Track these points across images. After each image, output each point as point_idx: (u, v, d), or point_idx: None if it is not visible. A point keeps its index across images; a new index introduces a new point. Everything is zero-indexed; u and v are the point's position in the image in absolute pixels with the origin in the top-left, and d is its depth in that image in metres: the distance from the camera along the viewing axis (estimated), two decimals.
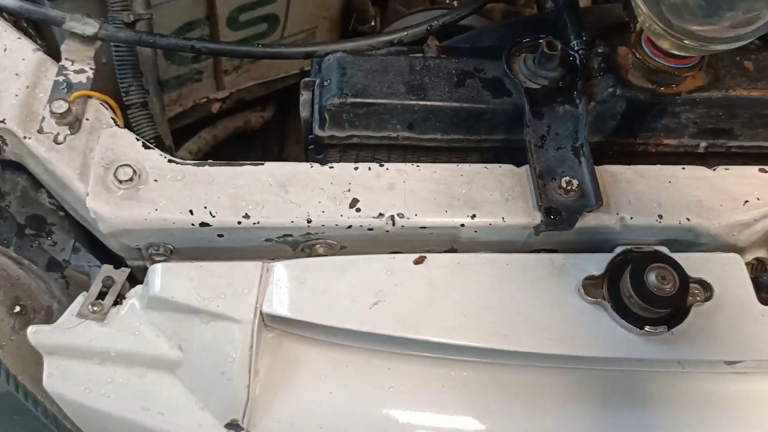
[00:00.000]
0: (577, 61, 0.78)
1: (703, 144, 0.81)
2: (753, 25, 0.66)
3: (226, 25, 1.06)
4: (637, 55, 0.75)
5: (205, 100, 1.16)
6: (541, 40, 0.77)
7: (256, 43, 1.00)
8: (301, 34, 1.17)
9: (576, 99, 0.76)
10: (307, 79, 0.83)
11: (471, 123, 0.78)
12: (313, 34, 1.18)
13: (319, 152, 0.81)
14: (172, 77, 1.09)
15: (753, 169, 0.76)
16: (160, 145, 0.88)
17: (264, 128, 1.34)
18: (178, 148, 1.17)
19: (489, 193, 0.73)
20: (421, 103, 0.77)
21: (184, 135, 1.22)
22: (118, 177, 0.70)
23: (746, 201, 0.74)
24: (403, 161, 0.79)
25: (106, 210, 0.69)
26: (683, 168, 0.76)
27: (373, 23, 1.17)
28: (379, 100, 0.76)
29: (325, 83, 0.78)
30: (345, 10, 1.16)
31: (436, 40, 0.85)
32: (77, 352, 0.67)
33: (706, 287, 0.69)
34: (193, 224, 0.68)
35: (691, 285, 0.69)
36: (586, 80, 0.78)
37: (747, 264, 0.76)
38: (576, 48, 0.81)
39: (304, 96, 0.81)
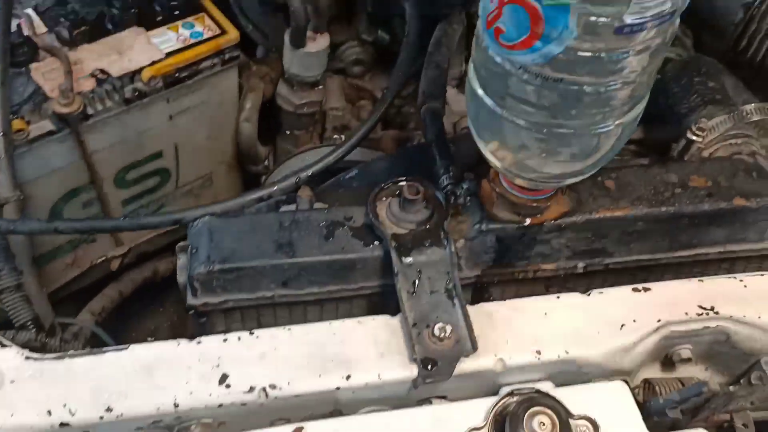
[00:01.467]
0: (442, 200, 0.79)
1: (581, 265, 0.82)
2: (591, 158, 0.67)
3: (113, 184, 1.05)
4: (497, 190, 0.77)
5: (103, 258, 1.14)
6: (402, 183, 0.77)
7: (122, 217, 0.99)
8: (197, 181, 1.17)
9: (443, 240, 0.76)
10: (182, 243, 0.82)
11: (345, 273, 0.78)
12: (210, 179, 1.19)
13: (202, 317, 0.80)
14: (64, 242, 1.08)
15: (626, 290, 0.76)
16: (39, 327, 0.86)
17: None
18: (80, 310, 1.14)
19: (364, 350, 0.71)
20: (291, 260, 0.76)
21: (90, 293, 1.19)
22: None
23: (623, 325, 0.73)
24: (290, 316, 0.79)
25: None
26: (558, 297, 0.76)
27: (266, 162, 1.18)
28: (248, 264, 0.75)
29: (194, 251, 0.77)
30: (239, 153, 1.17)
31: (309, 189, 0.85)
32: None
33: (593, 423, 0.68)
34: (52, 426, 0.65)
35: (578, 422, 0.67)
36: (454, 217, 0.79)
37: (636, 388, 0.76)
38: (445, 183, 0.82)
39: (181, 260, 0.80)
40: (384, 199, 0.79)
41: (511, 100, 0.61)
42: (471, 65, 0.66)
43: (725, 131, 0.86)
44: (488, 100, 0.64)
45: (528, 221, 0.77)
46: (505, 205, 0.77)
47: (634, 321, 0.74)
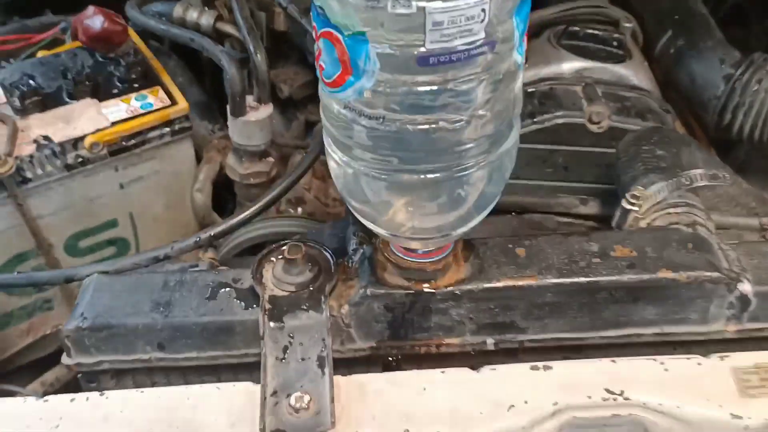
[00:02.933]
0: (332, 264, 0.73)
1: (491, 341, 0.73)
2: (461, 208, 0.61)
3: (65, 251, 1.06)
4: (389, 257, 0.71)
5: (60, 327, 1.13)
6: (287, 245, 0.73)
7: (16, 271, 0.99)
8: None
9: (322, 305, 0.70)
10: None
11: (224, 338, 0.73)
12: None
13: (91, 381, 0.76)
14: (16, 308, 1.08)
15: (523, 368, 0.67)
16: None
17: None
18: (34, 380, 1.13)
19: (214, 418, 0.65)
20: (164, 321, 0.72)
21: (49, 362, 1.18)
22: None
23: (511, 406, 0.64)
24: (168, 383, 0.74)
25: None
26: (443, 371, 0.68)
27: None
28: (120, 321, 0.72)
29: (75, 309, 0.75)
30: (201, 224, 1.17)
31: (212, 252, 0.83)
32: None
33: None
34: None
35: None
36: (344, 282, 0.74)
37: None
38: (353, 247, 0.77)
39: None
40: (272, 260, 0.75)
41: (356, 151, 0.57)
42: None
43: (663, 199, 0.77)
44: (337, 157, 0.60)
45: (420, 286, 0.70)
46: (397, 270, 0.71)
47: (526, 402, 0.64)
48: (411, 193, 0.59)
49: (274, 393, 0.65)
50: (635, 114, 1.01)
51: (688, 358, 0.67)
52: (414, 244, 0.67)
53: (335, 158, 0.61)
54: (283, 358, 0.68)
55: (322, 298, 0.70)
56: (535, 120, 1.01)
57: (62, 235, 1.04)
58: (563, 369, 0.67)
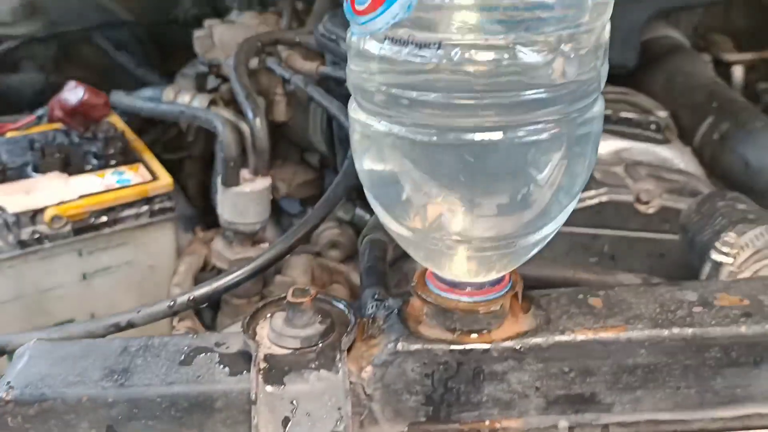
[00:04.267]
0: (350, 317, 0.56)
1: (564, 424, 0.54)
2: (531, 208, 0.46)
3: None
4: (426, 298, 0.53)
5: None
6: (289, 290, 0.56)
7: None
8: None
9: (337, 363, 0.51)
10: None
11: (200, 418, 0.52)
12: None
13: None
14: None
15: None
16: None
17: None
18: None
19: None
20: (119, 391, 0.52)
21: None
22: None
23: None
24: None
25: None
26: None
27: None
28: (56, 393, 0.52)
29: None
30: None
31: (191, 322, 0.64)
32: None
33: None
34: None
35: None
36: (366, 341, 0.55)
37: None
38: (369, 307, 0.60)
39: None
40: (269, 315, 0.57)
41: (396, 106, 0.43)
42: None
43: (764, 247, 0.62)
44: (375, 123, 0.45)
45: (467, 339, 0.52)
46: (438, 319, 0.53)
47: None
48: (460, 167, 0.44)
49: None
50: (688, 194, 0.88)
51: None
52: (459, 267, 0.50)
53: (361, 122, 0.46)
54: None
55: (337, 355, 0.52)
56: None
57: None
58: None
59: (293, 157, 1.15)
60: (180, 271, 0.92)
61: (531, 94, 0.40)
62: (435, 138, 0.42)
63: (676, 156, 0.95)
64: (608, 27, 0.44)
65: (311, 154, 1.15)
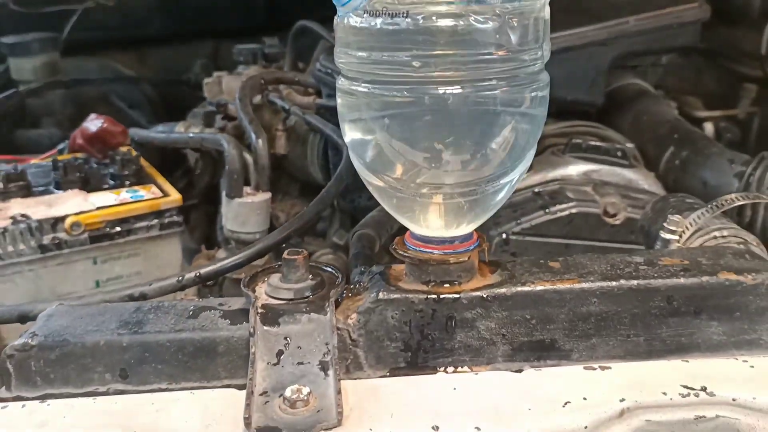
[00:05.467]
0: (337, 276, 0.63)
1: (528, 368, 0.60)
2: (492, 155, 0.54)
3: None
4: (404, 254, 0.61)
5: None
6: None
7: None
8: None
9: (326, 308, 0.58)
10: None
11: (203, 362, 0.59)
12: None
13: None
14: None
15: (575, 368, 0.54)
16: None
17: None
18: None
19: (183, 422, 0.50)
20: (133, 337, 0.59)
21: None
22: None
23: (567, 402, 0.50)
24: None
25: None
26: (475, 373, 0.54)
27: None
28: (77, 339, 0.59)
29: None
30: None
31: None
32: None
33: None
34: None
35: None
36: (351, 298, 0.62)
37: None
38: (357, 275, 0.67)
39: None
40: (266, 278, 0.64)
41: (372, 65, 0.52)
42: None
43: (705, 225, 0.69)
44: (357, 86, 0.54)
45: (440, 289, 0.59)
46: (415, 274, 0.61)
47: (585, 399, 0.51)
48: (431, 117, 0.52)
49: (264, 393, 0.51)
50: None
51: None
52: (431, 217, 0.57)
53: (347, 89, 0.55)
54: (276, 363, 0.54)
55: (326, 303, 0.59)
56: (547, 211, 0.96)
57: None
58: (625, 369, 0.54)
59: (293, 191, 1.24)
60: None
61: (483, 54, 0.50)
62: (405, 92, 0.51)
63: (640, 178, 1.04)
64: (547, 8, 0.54)
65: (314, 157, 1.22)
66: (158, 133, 1.11)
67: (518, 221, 0.96)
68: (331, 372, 0.53)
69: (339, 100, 0.56)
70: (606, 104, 1.24)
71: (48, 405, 0.53)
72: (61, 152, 1.14)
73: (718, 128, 1.50)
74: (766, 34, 1.52)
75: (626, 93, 1.30)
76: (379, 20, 0.49)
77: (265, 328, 0.57)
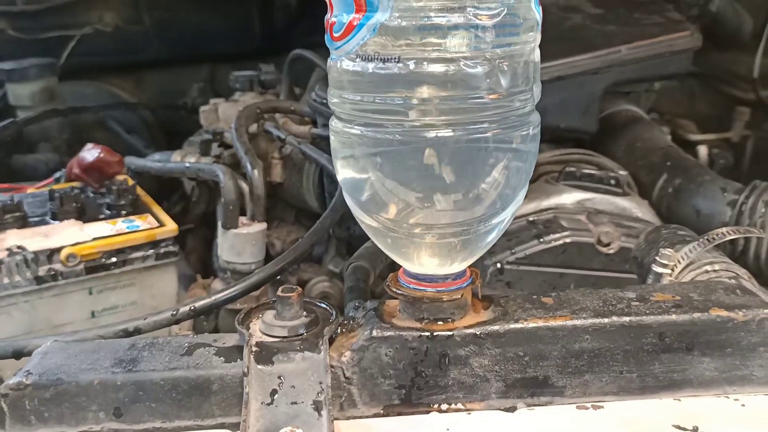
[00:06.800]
0: (331, 313, 0.63)
1: (522, 406, 0.60)
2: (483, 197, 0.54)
3: None
4: (397, 291, 0.61)
5: None
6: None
7: None
8: None
9: (320, 347, 0.59)
10: None
11: (197, 400, 0.59)
12: None
13: None
14: None
15: (568, 408, 0.55)
16: None
17: None
18: None
19: None
20: (127, 376, 0.59)
21: None
22: None
23: None
24: None
25: None
26: (468, 413, 0.55)
27: None
28: (71, 378, 0.59)
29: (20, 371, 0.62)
30: None
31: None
32: None
33: None
34: None
35: None
36: (345, 335, 0.63)
37: None
38: (351, 310, 0.68)
39: None
40: (260, 315, 0.65)
41: (363, 112, 0.52)
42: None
43: (697, 259, 0.70)
44: (350, 128, 0.55)
45: (434, 327, 0.59)
46: (408, 312, 0.61)
47: None
48: (419, 162, 0.53)
49: None
50: None
51: (767, 394, 0.55)
52: (423, 256, 0.58)
53: (340, 131, 0.55)
54: (270, 403, 0.55)
55: (320, 341, 0.59)
56: (541, 240, 0.96)
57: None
58: (618, 408, 0.54)
59: (288, 219, 1.25)
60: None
61: (474, 98, 0.50)
62: (398, 136, 0.51)
63: (634, 207, 1.05)
64: (537, 51, 0.55)
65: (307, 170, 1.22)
66: (154, 162, 1.12)
67: (513, 251, 0.96)
68: (324, 412, 0.53)
69: (332, 138, 0.56)
70: (599, 130, 1.25)
71: None
72: (57, 181, 1.14)
73: (712, 154, 1.51)
74: (758, 57, 1.54)
75: (619, 119, 1.31)
76: (371, 65, 0.50)
77: (259, 367, 0.57)
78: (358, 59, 0.51)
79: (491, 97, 0.51)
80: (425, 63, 0.49)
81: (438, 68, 0.49)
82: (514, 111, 0.53)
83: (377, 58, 0.50)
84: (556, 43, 1.09)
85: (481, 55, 0.50)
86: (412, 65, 0.49)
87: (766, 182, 1.01)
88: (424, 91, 0.50)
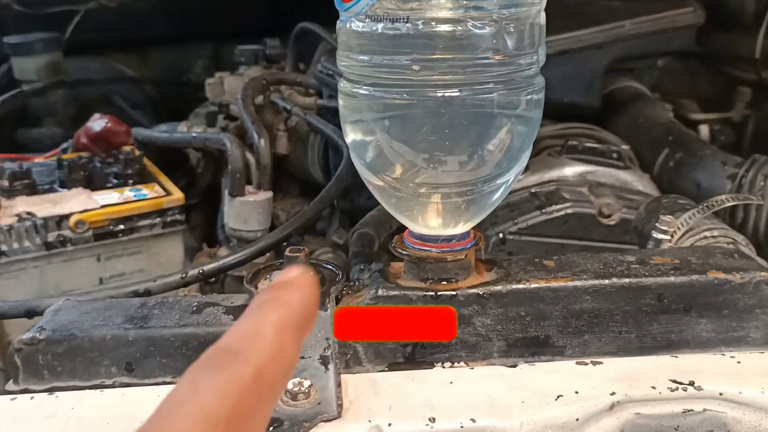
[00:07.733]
0: (337, 274, 0.65)
1: (523, 364, 0.62)
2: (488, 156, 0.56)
3: None
4: (402, 252, 0.63)
5: None
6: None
7: None
8: None
9: (326, 305, 0.60)
10: None
11: None
12: None
13: None
14: None
15: (567, 363, 0.56)
16: None
17: None
18: None
19: None
20: (139, 332, 0.61)
21: None
22: None
23: (559, 396, 0.52)
24: None
25: None
26: (471, 368, 0.56)
27: None
28: (84, 333, 0.61)
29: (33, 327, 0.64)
30: None
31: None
32: None
33: None
34: None
35: None
36: (351, 295, 0.64)
37: None
38: (356, 272, 0.69)
39: None
40: (268, 275, 0.66)
41: (371, 69, 0.53)
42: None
43: (696, 225, 0.71)
44: (358, 89, 0.56)
45: (437, 287, 0.61)
46: (413, 272, 0.63)
47: (577, 393, 0.52)
48: (429, 120, 0.54)
49: None
50: None
51: (762, 353, 0.57)
52: (429, 216, 0.59)
53: (348, 92, 0.56)
54: None
55: (327, 300, 0.61)
56: (543, 211, 0.97)
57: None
58: (616, 364, 0.56)
59: (293, 191, 1.26)
60: None
61: (480, 58, 0.51)
62: (405, 95, 0.52)
63: (635, 180, 1.06)
64: (543, 14, 0.55)
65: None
66: (161, 132, 1.13)
67: (515, 221, 0.98)
68: (331, 366, 0.55)
69: (341, 102, 0.57)
70: (602, 106, 1.26)
71: (56, 397, 0.54)
72: (65, 151, 1.15)
73: (713, 131, 1.52)
74: (760, 38, 1.54)
75: (622, 96, 1.31)
76: (380, 25, 0.51)
77: None
78: (367, 20, 0.52)
79: (497, 57, 0.52)
80: (433, 23, 0.50)
81: (445, 28, 0.50)
82: (520, 72, 0.54)
83: (386, 19, 0.51)
84: (561, 18, 1.10)
85: (488, 15, 0.51)
86: (420, 25, 0.50)
87: (766, 156, 1.02)
88: (432, 51, 0.51)
